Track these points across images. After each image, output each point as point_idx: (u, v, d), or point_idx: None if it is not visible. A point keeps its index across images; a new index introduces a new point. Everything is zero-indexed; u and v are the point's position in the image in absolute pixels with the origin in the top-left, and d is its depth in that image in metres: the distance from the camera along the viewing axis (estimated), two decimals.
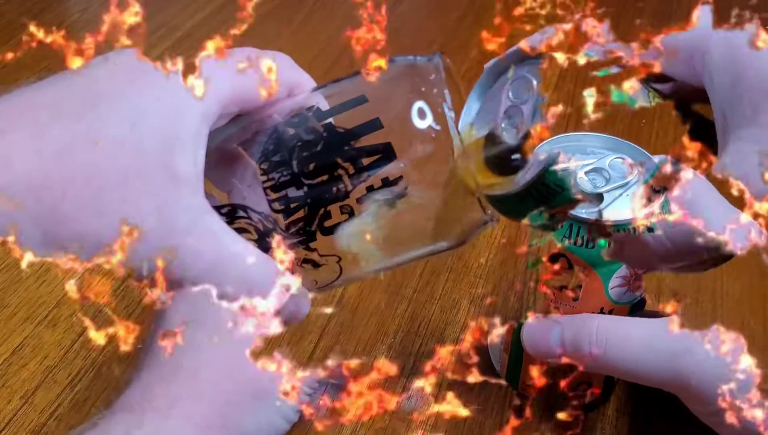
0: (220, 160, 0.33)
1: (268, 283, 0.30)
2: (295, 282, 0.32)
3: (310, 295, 0.34)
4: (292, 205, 0.31)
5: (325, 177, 0.31)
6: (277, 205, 0.31)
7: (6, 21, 0.86)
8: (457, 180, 0.32)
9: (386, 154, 0.31)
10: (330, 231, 0.32)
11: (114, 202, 0.26)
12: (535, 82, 0.33)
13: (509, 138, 0.34)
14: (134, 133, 0.27)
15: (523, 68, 0.34)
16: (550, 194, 0.33)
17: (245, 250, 0.30)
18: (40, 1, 0.90)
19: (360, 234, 0.32)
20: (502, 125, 0.34)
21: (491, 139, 0.34)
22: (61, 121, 0.26)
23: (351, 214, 0.31)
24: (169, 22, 0.85)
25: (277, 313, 0.31)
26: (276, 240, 0.31)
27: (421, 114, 0.31)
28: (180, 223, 0.28)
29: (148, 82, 0.28)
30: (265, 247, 0.32)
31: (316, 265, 0.33)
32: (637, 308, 0.43)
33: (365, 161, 0.31)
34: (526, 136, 0.33)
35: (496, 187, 0.34)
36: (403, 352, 0.50)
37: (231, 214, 0.32)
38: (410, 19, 0.88)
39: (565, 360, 0.38)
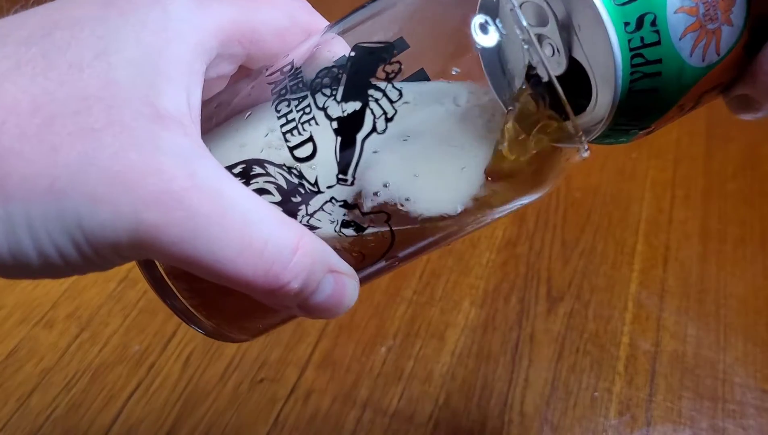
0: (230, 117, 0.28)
1: (288, 251, 0.23)
2: (330, 252, 0.25)
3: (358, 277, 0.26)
4: (320, 149, 0.25)
5: (357, 110, 0.25)
6: (300, 153, 0.25)
7: None
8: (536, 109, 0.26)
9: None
10: (370, 177, 0.25)
11: (70, 134, 0.21)
12: (546, 4, 0.26)
13: (553, 71, 0.25)
14: (100, 61, 0.22)
15: None
16: (638, 116, 0.27)
17: (255, 206, 0.23)
18: None
19: (410, 179, 0.25)
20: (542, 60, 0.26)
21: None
22: (7, 46, 0.22)
23: (394, 154, 0.25)
24: None
25: (307, 298, 0.24)
26: (304, 198, 0.26)
27: (484, 29, 0.25)
28: (164, 167, 0.21)
29: (124, 9, 0.23)
30: (292, 211, 0.26)
31: (359, 228, 0.26)
32: None
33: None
34: (572, 63, 0.26)
35: (581, 130, 0.26)
36: (402, 354, 0.50)
37: (246, 173, 0.26)
38: None
39: None
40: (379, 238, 0.27)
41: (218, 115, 0.28)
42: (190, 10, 0.24)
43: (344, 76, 0.25)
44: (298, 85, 0.26)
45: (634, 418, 0.46)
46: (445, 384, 0.48)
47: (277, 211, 0.24)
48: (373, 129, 0.24)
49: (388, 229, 0.27)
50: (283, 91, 0.26)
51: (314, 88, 0.25)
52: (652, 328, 0.51)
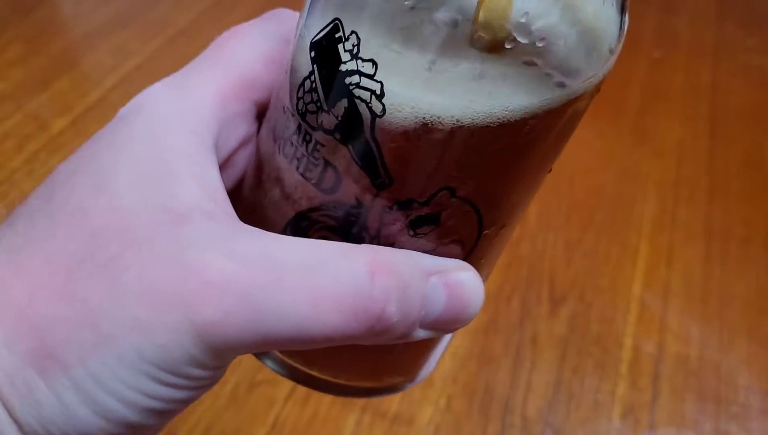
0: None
1: (364, 278, 0.20)
2: (418, 256, 0.22)
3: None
4: (340, 168, 0.22)
5: (347, 107, 0.22)
6: (326, 184, 0.22)
7: None
8: None
9: None
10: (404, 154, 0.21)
11: (92, 276, 0.20)
12: None
13: None
14: (100, 196, 0.21)
15: None
16: None
17: (312, 252, 0.21)
18: None
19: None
20: None
21: None
22: (16, 225, 0.22)
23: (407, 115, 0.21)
24: (162, 18, 0.84)
25: (425, 316, 0.21)
26: (360, 222, 0.23)
27: None
28: (196, 260, 0.20)
29: (111, 136, 0.22)
30: (358, 239, 0.23)
31: (432, 218, 0.23)
32: None
33: None
34: None
35: None
36: None
37: (298, 229, 0.24)
38: None
39: None
40: (460, 208, 0.22)
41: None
42: (170, 100, 0.23)
43: (316, 80, 0.22)
44: (289, 117, 0.23)
45: (638, 420, 0.46)
46: (445, 387, 0.47)
47: (338, 245, 0.21)
48: (373, 116, 0.21)
49: (467, 203, 0.22)
50: (280, 131, 0.24)
51: (301, 111, 0.23)
52: (655, 330, 0.51)
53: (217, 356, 0.20)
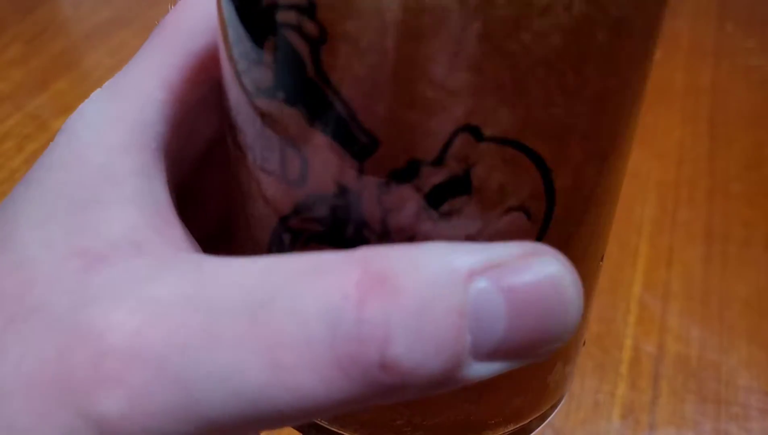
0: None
1: (348, 306, 0.13)
2: (454, 250, 0.13)
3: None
4: (300, 140, 0.15)
5: (279, 44, 0.14)
6: (293, 171, 0.16)
7: None
8: None
9: None
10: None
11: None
12: None
13: None
14: None
15: None
16: None
17: (272, 277, 0.13)
18: None
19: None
20: None
21: None
22: None
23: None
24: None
25: (476, 347, 0.13)
26: (353, 214, 0.15)
27: None
28: (96, 320, 0.13)
29: (30, 174, 0.17)
30: (357, 241, 0.15)
31: (459, 184, 0.14)
32: None
33: None
34: None
35: None
36: None
37: (280, 240, 0.17)
38: None
39: None
40: (499, 156, 0.14)
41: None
42: (101, 109, 0.18)
43: (236, 21, 0.15)
44: (230, 88, 0.17)
45: (637, 421, 0.45)
46: None
47: (307, 259, 0.14)
48: (313, 45, 0.13)
49: (494, 140, 0.14)
50: (226, 113, 0.17)
51: (238, 73, 0.16)
52: (655, 331, 0.51)
53: None
